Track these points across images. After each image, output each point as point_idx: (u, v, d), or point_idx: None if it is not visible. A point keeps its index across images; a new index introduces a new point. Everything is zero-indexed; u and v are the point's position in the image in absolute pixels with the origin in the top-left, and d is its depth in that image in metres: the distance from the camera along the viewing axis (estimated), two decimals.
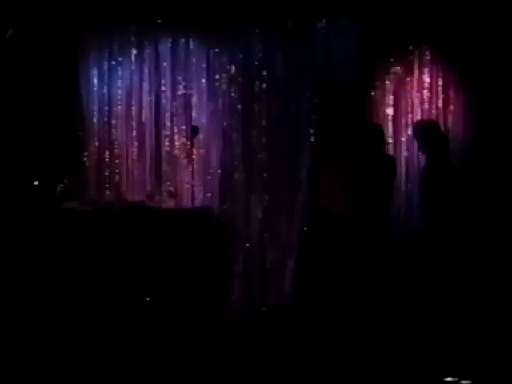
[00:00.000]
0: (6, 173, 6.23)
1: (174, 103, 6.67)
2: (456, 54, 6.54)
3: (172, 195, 6.59)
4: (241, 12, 6.33)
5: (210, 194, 6.49)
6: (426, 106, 6.65)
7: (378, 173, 6.00)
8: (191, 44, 6.63)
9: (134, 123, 6.70)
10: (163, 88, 6.67)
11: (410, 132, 6.52)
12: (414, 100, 6.69)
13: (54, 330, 5.65)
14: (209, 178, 6.52)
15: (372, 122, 6.53)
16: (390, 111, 6.69)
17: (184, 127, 6.63)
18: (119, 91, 6.70)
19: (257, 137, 6.49)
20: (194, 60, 6.63)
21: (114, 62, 6.68)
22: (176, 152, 6.63)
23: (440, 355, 5.18)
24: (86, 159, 6.65)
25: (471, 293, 5.86)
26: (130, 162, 6.72)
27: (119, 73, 6.70)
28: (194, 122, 6.63)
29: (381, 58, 6.66)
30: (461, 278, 5.77)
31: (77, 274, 6.03)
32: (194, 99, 6.65)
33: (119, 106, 6.71)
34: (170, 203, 6.53)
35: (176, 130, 6.64)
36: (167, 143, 6.66)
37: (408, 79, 6.71)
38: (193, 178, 6.53)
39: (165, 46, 6.63)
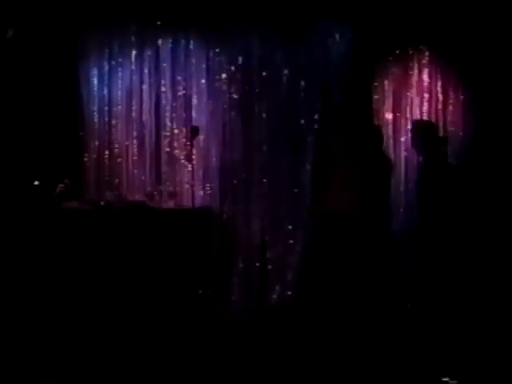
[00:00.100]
0: (7, 173, 6.23)
1: (174, 103, 6.68)
2: (456, 54, 6.55)
3: (172, 195, 6.59)
4: (241, 12, 6.34)
5: (209, 194, 6.50)
6: (426, 106, 6.67)
7: (377, 172, 6.00)
8: (191, 44, 6.64)
9: (134, 123, 6.71)
10: (163, 88, 6.68)
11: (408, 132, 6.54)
12: (413, 100, 6.70)
13: (54, 329, 5.64)
14: (209, 178, 6.53)
15: (372, 122, 6.55)
16: (389, 111, 6.70)
17: (184, 127, 6.64)
18: (119, 91, 6.72)
19: (257, 137, 6.51)
20: (193, 60, 6.65)
21: (114, 63, 6.70)
22: (176, 152, 6.64)
23: (440, 355, 5.18)
24: (86, 159, 6.67)
25: (471, 293, 5.87)
26: (130, 162, 6.73)
27: (119, 73, 6.72)
28: (194, 123, 6.64)
29: (380, 59, 6.67)
30: (460, 277, 5.77)
31: (77, 273, 6.03)
32: (194, 99, 6.66)
33: (119, 107, 6.73)
34: (170, 203, 6.53)
35: (176, 131, 6.66)
36: (167, 143, 6.67)
37: (407, 80, 6.72)
38: (193, 178, 6.53)
39: (165, 47, 6.65)
